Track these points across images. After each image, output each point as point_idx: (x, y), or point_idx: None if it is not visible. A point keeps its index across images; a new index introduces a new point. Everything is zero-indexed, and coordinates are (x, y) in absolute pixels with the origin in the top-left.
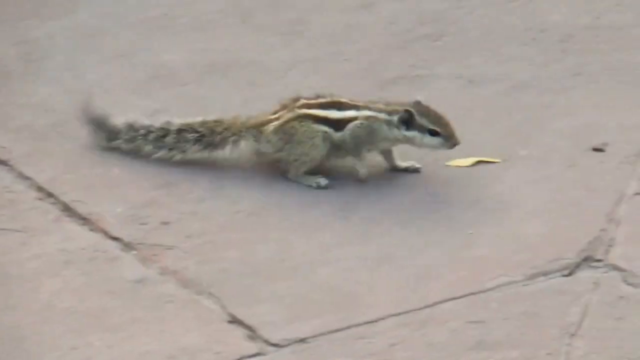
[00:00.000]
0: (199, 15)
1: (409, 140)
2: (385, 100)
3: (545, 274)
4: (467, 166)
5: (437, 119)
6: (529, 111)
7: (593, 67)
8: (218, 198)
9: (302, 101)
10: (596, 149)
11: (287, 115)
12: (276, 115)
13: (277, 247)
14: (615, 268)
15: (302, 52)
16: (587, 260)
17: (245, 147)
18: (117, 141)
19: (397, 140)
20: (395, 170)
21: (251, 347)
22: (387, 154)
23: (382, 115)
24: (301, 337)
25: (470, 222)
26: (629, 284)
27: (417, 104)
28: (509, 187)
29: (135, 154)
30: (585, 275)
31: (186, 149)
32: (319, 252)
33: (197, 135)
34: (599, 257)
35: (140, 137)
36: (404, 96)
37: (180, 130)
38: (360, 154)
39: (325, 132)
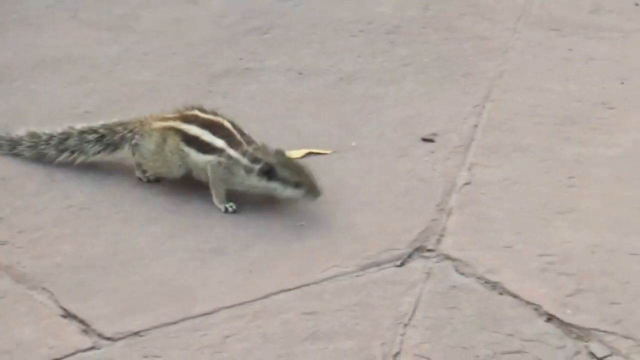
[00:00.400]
0: (27, 11)
1: (269, 190)
2: (262, 141)
3: (377, 264)
4: (297, 158)
5: (299, 170)
6: (359, 102)
7: (421, 58)
8: (51, 192)
9: (189, 113)
10: (426, 139)
11: (168, 122)
12: (167, 116)
13: (109, 240)
14: (447, 258)
15: (132, 47)
16: (419, 250)
17: None
18: (19, 148)
19: (255, 188)
20: None
21: (85, 341)
22: None
23: (244, 161)
24: (135, 330)
25: (301, 213)
26: (460, 273)
27: (279, 154)
28: (340, 178)
29: (38, 160)
30: (417, 265)
31: (87, 150)
32: (151, 245)
33: (97, 135)
34: (430, 247)
35: (42, 143)
36: (234, 90)
37: (82, 132)
38: (217, 190)
39: (185, 153)
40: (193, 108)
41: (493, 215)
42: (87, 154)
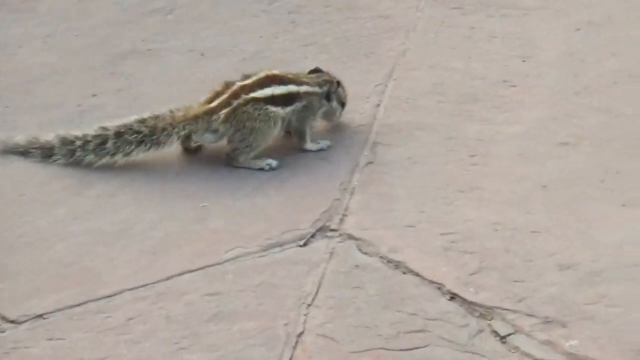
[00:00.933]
0: None
1: (327, 113)
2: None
3: (280, 244)
4: None
5: (343, 90)
6: None
7: (323, 37)
8: None
9: (238, 84)
10: None
11: (235, 102)
12: (216, 103)
13: (13, 223)
14: (350, 237)
15: (34, 29)
16: (322, 230)
17: (194, 139)
18: (54, 157)
19: (322, 114)
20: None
21: None
22: None
23: (317, 89)
24: (39, 313)
25: (204, 194)
26: (364, 253)
27: (321, 71)
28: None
29: (76, 166)
30: (320, 245)
31: (130, 150)
32: (55, 228)
33: (139, 135)
34: (333, 226)
35: (78, 149)
36: (137, 71)
37: (119, 134)
38: (305, 133)
39: (277, 111)
40: (231, 83)
41: (396, 194)
42: (130, 155)
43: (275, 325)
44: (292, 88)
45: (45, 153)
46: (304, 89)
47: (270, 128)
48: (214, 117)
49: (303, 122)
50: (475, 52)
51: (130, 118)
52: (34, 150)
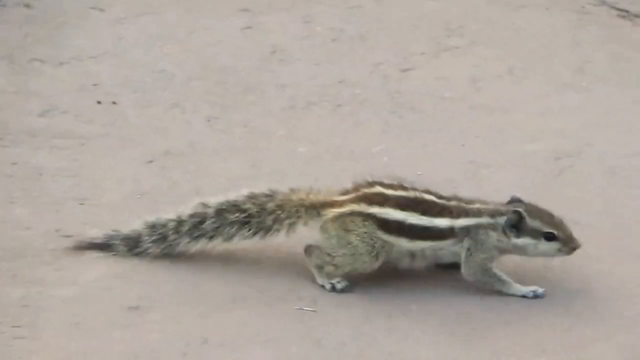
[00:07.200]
0: None
1: (518, 250)
2: (470, 196)
3: None
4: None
5: (550, 218)
6: None
7: None
8: None
9: (378, 189)
10: None
11: (350, 206)
12: (342, 199)
13: None
14: None
15: None
16: None
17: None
18: (143, 245)
19: (505, 251)
20: None
21: None
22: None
23: (486, 221)
24: None
25: None
26: None
27: (520, 201)
28: None
29: (167, 254)
30: None
31: (231, 234)
32: None
33: (243, 216)
34: None
35: (171, 232)
36: None
37: (220, 211)
38: (490, 274)
39: (388, 243)
40: (372, 184)
41: None
42: (232, 239)
43: None
44: (439, 223)
45: (131, 244)
46: (460, 223)
47: (366, 258)
48: (325, 212)
49: (477, 261)
50: (20, 195)
51: (242, 191)
52: (116, 243)
